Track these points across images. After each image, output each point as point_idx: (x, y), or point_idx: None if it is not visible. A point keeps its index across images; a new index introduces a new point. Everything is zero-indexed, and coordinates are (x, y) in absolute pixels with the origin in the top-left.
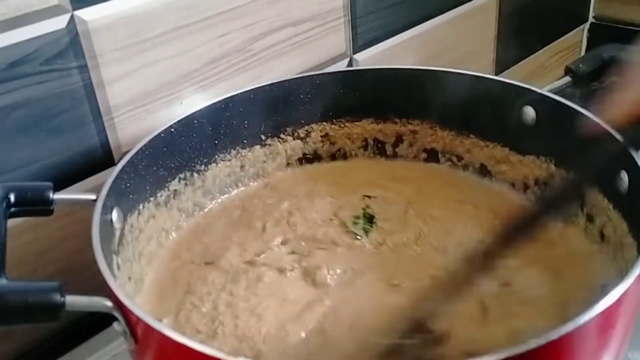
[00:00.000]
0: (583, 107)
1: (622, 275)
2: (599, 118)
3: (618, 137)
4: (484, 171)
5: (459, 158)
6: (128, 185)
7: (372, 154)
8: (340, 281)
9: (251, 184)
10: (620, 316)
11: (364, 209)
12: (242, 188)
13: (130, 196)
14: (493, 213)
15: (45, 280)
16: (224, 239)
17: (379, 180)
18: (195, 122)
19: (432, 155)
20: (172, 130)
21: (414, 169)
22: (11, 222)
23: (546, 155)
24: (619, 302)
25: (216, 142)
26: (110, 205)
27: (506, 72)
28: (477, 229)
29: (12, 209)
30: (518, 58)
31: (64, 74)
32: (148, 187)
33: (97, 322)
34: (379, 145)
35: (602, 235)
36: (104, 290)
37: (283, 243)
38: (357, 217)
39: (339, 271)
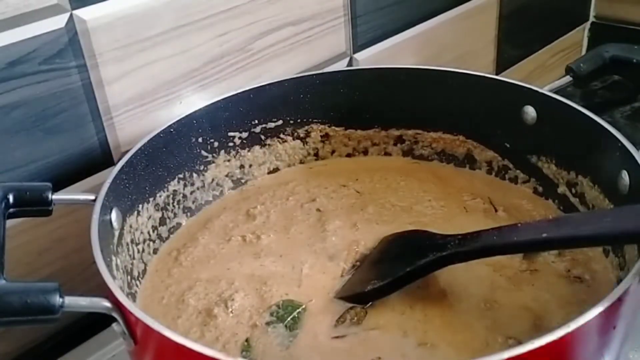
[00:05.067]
0: (584, 106)
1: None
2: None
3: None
4: (487, 170)
5: (460, 157)
6: (127, 185)
7: (373, 154)
8: None
9: (251, 183)
10: (620, 316)
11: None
12: (242, 188)
13: (130, 196)
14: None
15: (44, 281)
16: (222, 241)
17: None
18: (195, 122)
19: (434, 155)
20: (172, 130)
21: (414, 167)
22: (10, 222)
23: (547, 155)
24: (619, 302)
25: (215, 142)
26: (110, 206)
27: (506, 71)
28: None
29: (11, 210)
30: (518, 58)
31: (63, 73)
32: (147, 188)
33: (96, 323)
34: (380, 144)
35: None
36: (103, 290)
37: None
38: None
39: None
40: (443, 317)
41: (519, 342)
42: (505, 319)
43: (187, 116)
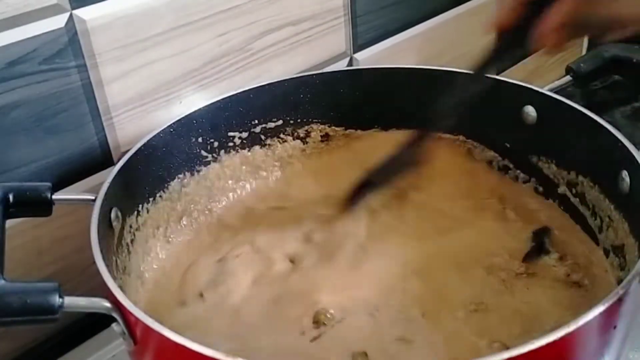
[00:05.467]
0: (584, 106)
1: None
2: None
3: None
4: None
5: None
6: (127, 185)
7: None
8: None
9: (251, 184)
10: (621, 316)
11: None
12: (242, 188)
13: (129, 196)
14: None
15: (44, 281)
16: (221, 240)
17: None
18: (195, 122)
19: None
20: (171, 130)
21: None
22: (10, 222)
23: (547, 155)
24: (619, 301)
25: (215, 142)
26: (109, 206)
27: (506, 71)
28: None
29: (11, 210)
30: (518, 58)
31: (63, 73)
32: (147, 188)
33: (96, 323)
34: None
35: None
36: (103, 290)
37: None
38: None
39: None
40: (432, 316)
41: (504, 346)
42: (495, 322)
43: (187, 116)
